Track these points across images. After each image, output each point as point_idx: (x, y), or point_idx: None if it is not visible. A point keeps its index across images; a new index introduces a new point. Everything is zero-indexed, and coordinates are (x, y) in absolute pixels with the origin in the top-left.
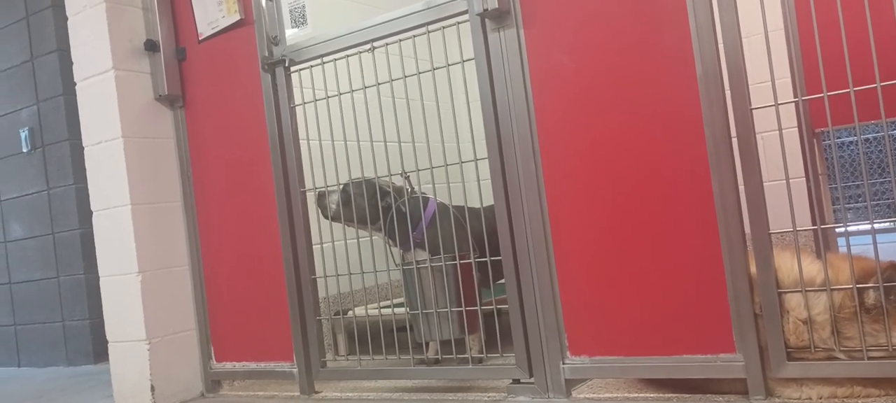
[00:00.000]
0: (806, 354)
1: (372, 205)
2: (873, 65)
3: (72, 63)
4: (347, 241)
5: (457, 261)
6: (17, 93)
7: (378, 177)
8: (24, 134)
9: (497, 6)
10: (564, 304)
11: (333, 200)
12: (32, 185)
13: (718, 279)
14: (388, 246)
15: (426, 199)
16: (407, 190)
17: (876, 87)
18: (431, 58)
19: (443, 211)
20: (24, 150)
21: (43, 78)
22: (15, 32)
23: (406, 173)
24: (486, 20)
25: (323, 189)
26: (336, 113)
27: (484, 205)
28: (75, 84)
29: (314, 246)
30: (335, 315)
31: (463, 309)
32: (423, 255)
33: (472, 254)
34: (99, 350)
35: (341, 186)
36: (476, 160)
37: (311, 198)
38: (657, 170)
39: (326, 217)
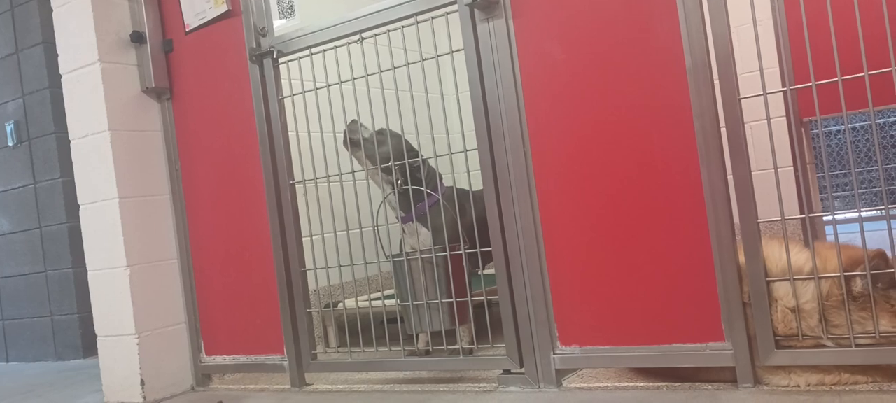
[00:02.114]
0: (794, 342)
1: (397, 155)
2: (860, 54)
3: (57, 55)
4: (337, 233)
5: (447, 253)
6: (2, 86)
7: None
8: (9, 127)
9: None
10: (554, 295)
11: (366, 131)
12: (19, 179)
13: (707, 268)
14: (378, 234)
15: (441, 181)
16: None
17: (863, 76)
18: (420, 48)
19: (450, 196)
20: (10, 144)
21: (28, 71)
22: (0, 25)
23: (396, 164)
24: (475, 11)
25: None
26: (325, 104)
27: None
28: (61, 77)
29: (304, 238)
30: (325, 307)
31: (453, 300)
32: (421, 231)
33: (462, 245)
34: (88, 345)
35: (378, 129)
36: (465, 151)
37: (303, 186)
38: (646, 161)
39: (349, 146)
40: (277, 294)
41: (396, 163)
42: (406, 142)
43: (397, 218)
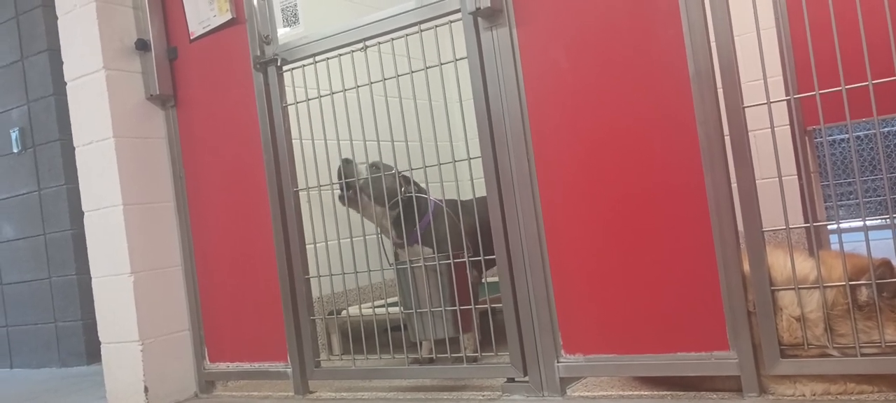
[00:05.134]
0: (799, 351)
1: (391, 191)
2: (865, 62)
3: (62, 63)
4: (341, 241)
5: (451, 260)
6: (7, 93)
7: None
8: (14, 134)
9: (489, 5)
10: (559, 303)
11: (359, 174)
12: (23, 186)
13: (712, 277)
14: (381, 242)
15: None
16: (414, 185)
17: (867, 85)
18: (424, 57)
19: (442, 209)
20: (15, 151)
21: (33, 78)
22: (5, 32)
23: (400, 172)
24: (479, 19)
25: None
26: (328, 112)
27: (478, 197)
28: (66, 84)
29: (307, 246)
30: (329, 314)
31: (457, 307)
32: (425, 251)
33: (465, 253)
34: (92, 351)
35: (369, 164)
36: (469, 159)
37: (306, 194)
38: (650, 169)
39: (343, 198)
40: (281, 301)
41: (392, 193)
42: (402, 173)
43: (401, 244)
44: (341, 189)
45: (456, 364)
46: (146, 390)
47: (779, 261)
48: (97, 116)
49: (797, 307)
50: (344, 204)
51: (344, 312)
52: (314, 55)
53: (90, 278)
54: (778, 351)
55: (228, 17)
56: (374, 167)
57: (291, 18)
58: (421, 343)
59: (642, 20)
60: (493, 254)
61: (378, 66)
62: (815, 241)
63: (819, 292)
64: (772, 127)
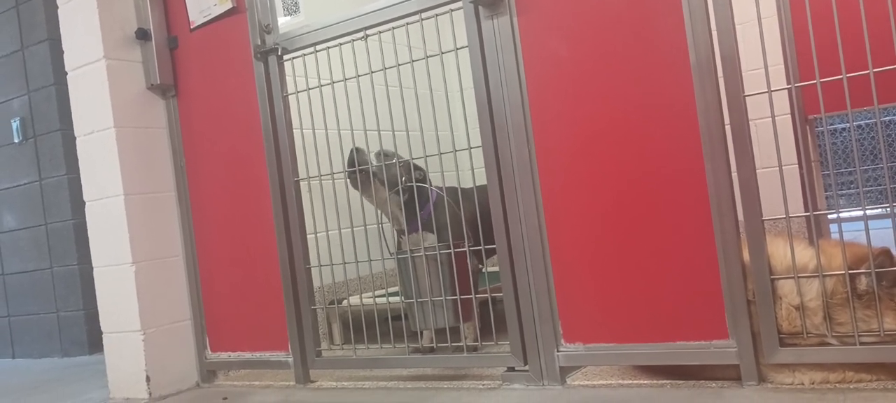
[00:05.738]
0: (798, 340)
1: (392, 177)
2: (866, 51)
3: (63, 52)
4: (342, 230)
5: (451, 250)
6: (7, 82)
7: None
8: (15, 124)
9: None
10: (559, 292)
11: (368, 163)
12: (24, 176)
13: (712, 266)
14: (382, 231)
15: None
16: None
17: (868, 74)
18: (425, 46)
19: (442, 198)
20: (16, 141)
21: (34, 67)
22: (5, 21)
23: (400, 159)
24: (480, 8)
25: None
26: (329, 101)
27: (478, 185)
28: (66, 73)
29: (308, 235)
30: (330, 304)
31: (458, 297)
32: (427, 237)
33: (466, 242)
34: (94, 341)
35: (378, 152)
36: (470, 148)
37: (307, 183)
38: (651, 158)
39: (357, 184)
40: (282, 291)
41: (397, 183)
42: (405, 160)
43: (403, 232)
44: (354, 173)
45: (456, 353)
46: (148, 379)
47: (778, 250)
48: (98, 106)
49: (797, 296)
50: (357, 189)
51: (345, 301)
52: (315, 44)
53: (92, 268)
54: (777, 340)
55: (229, 6)
56: (385, 155)
57: (292, 7)
58: (421, 333)
59: (643, 8)
60: (494, 243)
61: (379, 55)
62: (815, 230)
63: (818, 281)
64: (772, 115)
